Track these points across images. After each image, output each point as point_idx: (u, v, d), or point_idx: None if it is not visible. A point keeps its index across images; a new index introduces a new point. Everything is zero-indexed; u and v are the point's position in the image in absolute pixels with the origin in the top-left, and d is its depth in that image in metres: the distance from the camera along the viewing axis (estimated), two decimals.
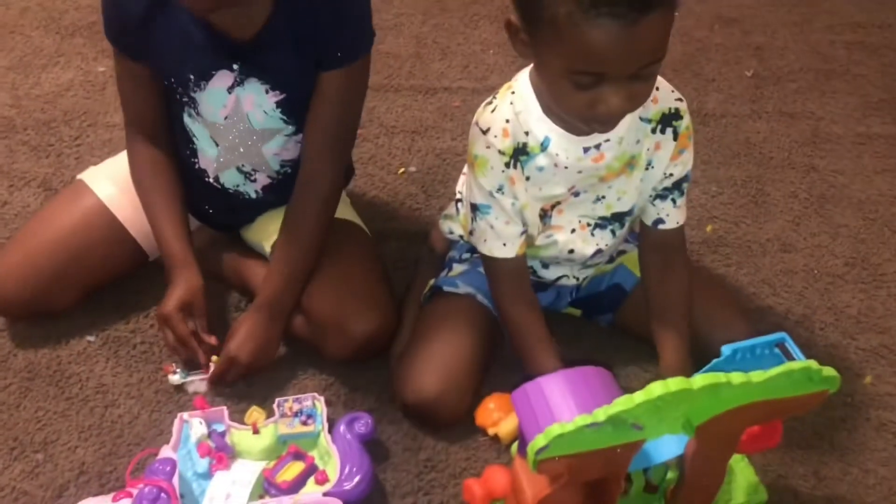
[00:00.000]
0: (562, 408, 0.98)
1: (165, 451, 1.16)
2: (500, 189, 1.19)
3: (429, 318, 1.34)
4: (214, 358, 1.30)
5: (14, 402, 1.30)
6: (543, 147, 1.16)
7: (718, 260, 1.59)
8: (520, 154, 1.17)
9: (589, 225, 1.26)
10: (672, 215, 1.26)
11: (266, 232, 1.42)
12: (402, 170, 1.75)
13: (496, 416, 1.28)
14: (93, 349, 1.38)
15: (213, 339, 1.31)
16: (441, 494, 1.22)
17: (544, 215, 1.24)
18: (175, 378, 1.30)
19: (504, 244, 1.23)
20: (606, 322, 1.42)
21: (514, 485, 1.08)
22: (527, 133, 1.16)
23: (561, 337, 1.41)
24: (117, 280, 1.42)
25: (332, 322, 1.31)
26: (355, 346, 1.31)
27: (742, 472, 1.23)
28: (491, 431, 1.28)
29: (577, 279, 1.36)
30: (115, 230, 1.39)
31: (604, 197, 1.23)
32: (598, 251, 1.28)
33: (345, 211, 1.47)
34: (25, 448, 1.25)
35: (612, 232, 1.27)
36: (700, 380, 0.95)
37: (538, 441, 0.95)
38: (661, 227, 1.27)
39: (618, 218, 1.26)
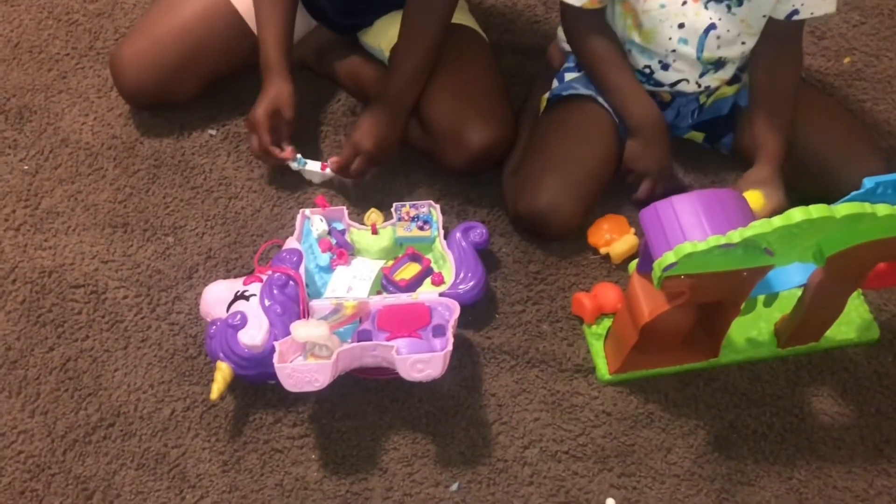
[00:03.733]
0: (694, 227, 0.97)
1: (291, 243, 1.21)
2: None
3: (546, 127, 1.32)
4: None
5: (143, 186, 1.36)
6: None
7: (854, 94, 1.50)
8: None
9: None
10: (807, 5, 1.21)
11: (386, 36, 1.39)
12: None
13: (609, 236, 1.28)
14: (215, 142, 1.41)
15: (288, 151, 1.31)
16: (549, 305, 1.25)
17: None
18: (294, 164, 1.32)
19: None
20: (726, 148, 1.37)
21: (629, 301, 1.09)
22: None
23: (682, 164, 1.39)
24: (236, 74, 1.43)
25: (450, 132, 1.30)
26: (471, 156, 1.30)
27: (856, 309, 1.23)
28: (602, 251, 1.28)
29: (698, 86, 1.30)
30: (235, 22, 1.37)
31: None
32: (712, 27, 1.21)
33: (464, 17, 1.42)
34: (157, 231, 1.32)
35: (728, 7, 1.21)
36: (843, 208, 0.92)
37: (667, 258, 0.95)
38: (794, 17, 1.22)
39: None
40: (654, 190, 1.28)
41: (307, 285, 1.18)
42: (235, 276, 1.24)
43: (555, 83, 1.38)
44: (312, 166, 1.33)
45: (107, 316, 1.23)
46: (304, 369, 1.02)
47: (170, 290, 1.26)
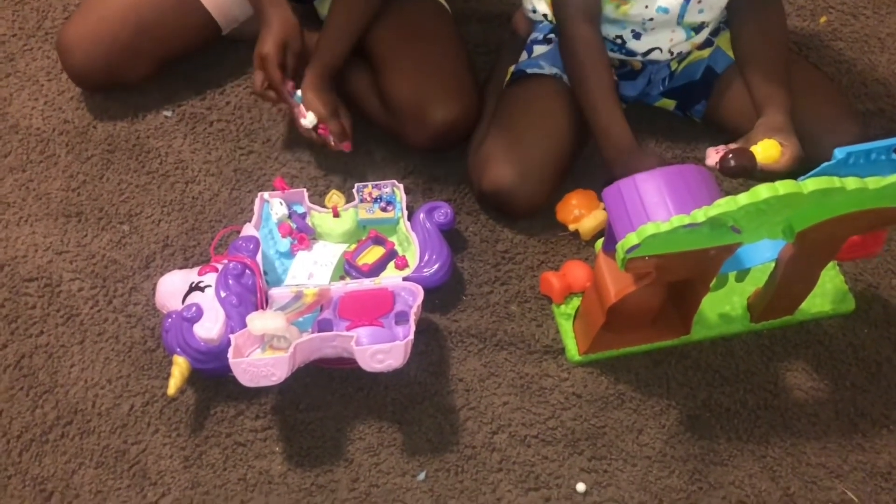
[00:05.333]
0: (657, 206, 0.94)
1: (248, 230, 1.17)
2: None
3: (510, 102, 1.27)
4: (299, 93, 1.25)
5: (97, 173, 1.31)
6: None
7: (830, 55, 1.45)
8: None
9: None
10: None
11: None
12: None
13: (578, 212, 1.24)
14: (170, 125, 1.36)
15: (290, 85, 1.24)
16: (518, 285, 1.22)
17: None
18: (293, 100, 1.23)
19: None
20: (699, 115, 1.33)
21: (596, 281, 1.06)
22: None
23: (653, 134, 1.35)
24: (190, 53, 1.37)
25: (412, 108, 1.25)
26: (435, 134, 1.25)
27: (831, 280, 1.20)
28: (571, 227, 1.25)
29: (671, 54, 1.26)
30: None
31: None
32: None
33: None
34: (112, 219, 1.27)
35: None
36: (811, 183, 0.88)
37: (630, 239, 0.91)
38: None
39: None
40: None
41: (267, 272, 1.15)
42: (194, 265, 1.20)
43: (523, 55, 1.32)
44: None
45: (62, 309, 1.19)
46: (260, 364, 0.99)
47: (126, 280, 1.22)
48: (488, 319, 1.19)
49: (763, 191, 0.88)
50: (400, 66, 1.27)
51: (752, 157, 1.06)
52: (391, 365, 1.01)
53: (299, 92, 1.24)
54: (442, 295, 1.20)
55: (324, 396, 1.12)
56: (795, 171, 1.10)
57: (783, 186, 0.88)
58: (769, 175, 1.11)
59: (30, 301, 1.20)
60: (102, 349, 1.16)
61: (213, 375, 1.10)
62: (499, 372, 1.15)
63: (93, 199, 1.29)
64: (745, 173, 1.07)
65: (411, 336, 1.02)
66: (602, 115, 1.18)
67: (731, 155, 1.06)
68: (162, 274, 1.17)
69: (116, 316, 1.19)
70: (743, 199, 0.88)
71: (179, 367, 1.06)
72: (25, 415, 1.11)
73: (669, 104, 1.35)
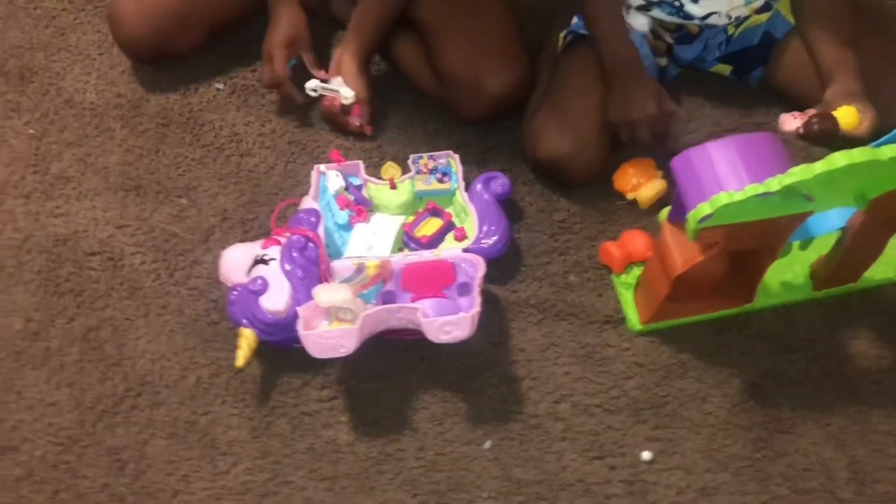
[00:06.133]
0: (730, 176, 0.93)
1: (307, 202, 1.17)
2: None
3: (565, 68, 1.26)
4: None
5: (153, 146, 1.32)
6: None
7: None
8: None
9: None
10: None
11: None
12: None
13: (635, 181, 1.24)
14: (222, 97, 1.36)
15: (321, 73, 1.30)
16: (576, 255, 1.21)
17: None
18: (312, 92, 1.27)
19: None
20: (756, 80, 1.31)
21: (661, 251, 1.06)
22: None
23: (709, 99, 1.33)
24: (239, 23, 1.37)
25: (465, 80, 1.24)
26: (490, 104, 1.25)
27: (893, 248, 1.18)
28: (629, 196, 1.24)
29: (729, 19, 1.23)
30: None
31: None
32: None
33: None
34: (170, 193, 1.28)
35: None
36: (889, 150, 0.87)
37: (702, 209, 0.91)
38: None
39: None
40: (647, 139, 1.17)
41: (327, 245, 1.15)
42: (253, 238, 1.21)
43: (574, 19, 1.31)
44: (333, 84, 1.27)
45: (125, 283, 1.21)
46: (329, 336, 1.00)
47: (187, 254, 1.23)
48: (547, 290, 1.19)
49: (839, 158, 0.87)
50: (452, 37, 1.26)
51: (835, 122, 1.05)
52: (458, 336, 1.02)
53: (312, 82, 1.26)
54: (500, 265, 1.20)
55: (387, 367, 1.13)
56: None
57: (860, 154, 0.87)
58: (844, 142, 1.09)
59: (93, 275, 1.22)
60: (167, 322, 1.18)
61: (277, 347, 1.12)
62: (559, 342, 1.15)
63: (150, 172, 1.30)
64: (827, 139, 1.06)
65: (478, 307, 1.03)
66: (611, 37, 1.19)
67: (815, 120, 1.05)
68: (222, 247, 1.18)
69: (179, 289, 1.20)
70: (818, 167, 0.87)
71: (247, 340, 1.07)
72: (96, 386, 1.13)
73: (725, 69, 1.33)
